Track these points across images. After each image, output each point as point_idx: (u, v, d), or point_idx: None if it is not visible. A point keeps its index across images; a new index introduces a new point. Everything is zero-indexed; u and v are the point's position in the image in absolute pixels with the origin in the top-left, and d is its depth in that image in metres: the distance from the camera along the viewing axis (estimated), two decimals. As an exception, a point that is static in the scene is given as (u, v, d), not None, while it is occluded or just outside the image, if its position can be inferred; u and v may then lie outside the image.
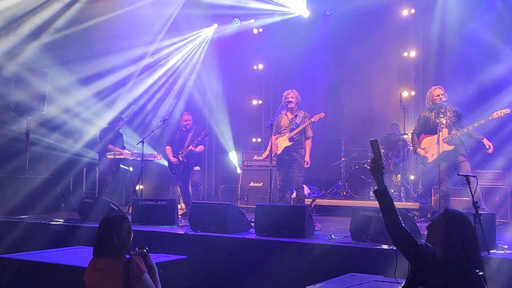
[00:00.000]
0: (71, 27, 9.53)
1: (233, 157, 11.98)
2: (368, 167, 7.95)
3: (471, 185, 4.47)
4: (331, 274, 4.52)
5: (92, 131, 9.98)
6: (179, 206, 8.35)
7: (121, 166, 9.29)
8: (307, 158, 7.62)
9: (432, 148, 6.71)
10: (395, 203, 3.18)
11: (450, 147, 6.63)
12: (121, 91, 10.71)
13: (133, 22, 10.06)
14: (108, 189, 8.84)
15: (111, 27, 9.79)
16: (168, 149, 8.76)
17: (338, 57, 11.84)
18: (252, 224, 6.39)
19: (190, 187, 8.69)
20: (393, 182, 9.10)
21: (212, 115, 12.05)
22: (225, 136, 12.01)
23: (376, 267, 4.74)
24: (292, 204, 8.19)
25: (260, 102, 12.42)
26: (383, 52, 11.38)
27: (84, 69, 9.87)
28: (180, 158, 8.53)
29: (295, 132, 7.52)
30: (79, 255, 5.08)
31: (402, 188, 8.77)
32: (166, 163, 9.13)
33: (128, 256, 3.44)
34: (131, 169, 9.51)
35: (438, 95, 6.77)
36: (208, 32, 12.13)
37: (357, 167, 9.48)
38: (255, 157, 10.37)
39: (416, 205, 8.25)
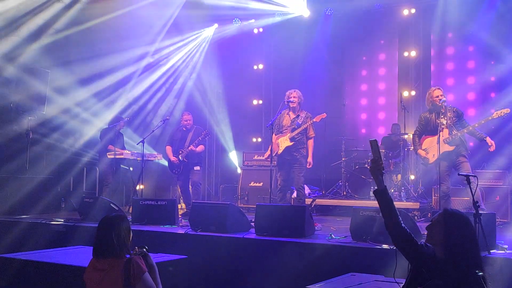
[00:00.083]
0: (71, 27, 9.53)
1: (233, 157, 11.98)
2: (368, 167, 7.96)
3: (471, 185, 4.47)
4: (331, 274, 4.52)
5: (92, 131, 9.99)
6: (179, 206, 8.35)
7: (122, 166, 9.29)
8: (309, 158, 7.61)
9: (433, 148, 6.71)
10: (395, 203, 3.17)
11: (451, 148, 6.62)
12: (121, 91, 10.71)
13: (133, 22, 10.06)
14: (108, 189, 8.84)
15: (111, 28, 9.79)
16: (169, 149, 8.76)
17: (339, 56, 11.86)
18: (252, 224, 6.39)
19: (190, 187, 8.69)
20: (394, 182, 9.10)
21: (212, 115, 12.05)
22: (226, 136, 12.01)
23: (376, 267, 4.74)
24: (292, 204, 8.19)
25: (261, 102, 12.42)
26: (383, 52, 11.40)
27: (84, 69, 9.88)
28: (181, 158, 8.52)
29: (296, 132, 7.49)
30: (80, 255, 5.07)
31: (403, 188, 8.77)
32: (166, 163, 9.13)
33: (128, 256, 3.44)
34: (131, 168, 9.52)
35: (438, 96, 6.76)
36: (209, 32, 12.13)
37: (357, 167, 9.48)
38: (256, 157, 10.36)
39: (416, 205, 8.24)
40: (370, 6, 10.93)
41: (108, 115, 9.90)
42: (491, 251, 4.75)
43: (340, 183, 9.80)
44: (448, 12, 10.51)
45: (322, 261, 5.34)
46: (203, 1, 10.64)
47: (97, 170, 9.52)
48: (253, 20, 11.69)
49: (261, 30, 12.02)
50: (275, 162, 7.76)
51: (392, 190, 8.74)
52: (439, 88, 6.87)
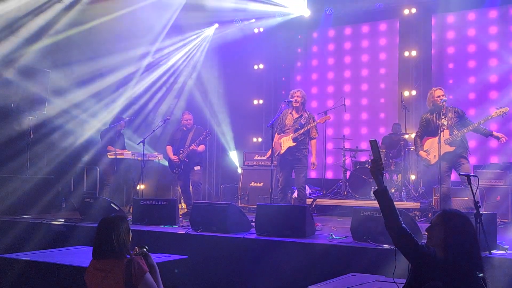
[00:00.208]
0: (72, 28, 9.53)
1: (234, 157, 11.97)
2: (369, 167, 7.95)
3: (472, 185, 4.47)
4: (332, 274, 4.52)
5: (93, 131, 9.99)
6: (180, 206, 8.35)
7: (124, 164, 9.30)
8: (314, 159, 7.59)
9: (434, 149, 6.70)
10: (396, 203, 3.17)
11: (451, 148, 6.61)
12: (121, 91, 10.71)
13: (134, 23, 10.06)
14: (109, 189, 8.85)
15: (112, 28, 9.79)
16: (169, 149, 8.74)
17: (339, 56, 11.86)
18: (253, 224, 6.39)
19: (191, 187, 8.69)
20: (394, 182, 9.10)
21: (213, 114, 12.04)
22: (226, 136, 12.01)
23: (377, 267, 4.74)
24: (293, 204, 8.18)
25: (261, 101, 12.41)
26: (384, 52, 11.39)
27: (84, 70, 9.88)
28: (181, 158, 8.51)
29: (299, 133, 7.46)
30: (80, 255, 5.07)
31: (403, 188, 8.76)
32: (167, 163, 9.13)
33: (128, 256, 3.43)
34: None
35: (439, 96, 6.74)
36: (209, 32, 12.12)
37: (358, 166, 9.48)
38: (256, 157, 10.36)
39: (417, 205, 8.24)
40: (371, 6, 10.93)
41: (109, 115, 9.90)
42: (492, 251, 4.75)
43: (341, 183, 9.80)
44: (449, 11, 10.53)
45: (322, 261, 5.34)
46: (204, 4, 10.64)
47: (98, 170, 9.52)
48: (253, 20, 11.69)
49: (261, 29, 12.02)
50: (275, 162, 7.74)
51: (393, 190, 8.73)
52: (440, 88, 6.85)
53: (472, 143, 7.95)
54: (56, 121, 9.74)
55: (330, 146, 11.03)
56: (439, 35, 10.78)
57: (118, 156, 8.91)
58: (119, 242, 3.42)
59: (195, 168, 8.59)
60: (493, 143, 9.66)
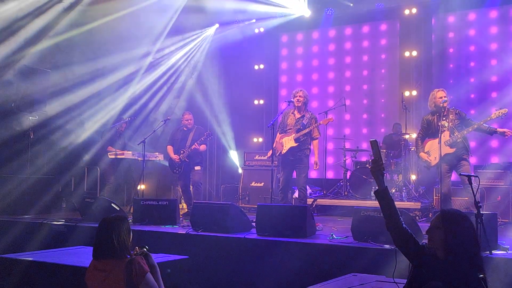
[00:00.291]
0: (73, 29, 9.53)
1: (234, 157, 11.97)
2: (369, 167, 7.96)
3: (472, 185, 4.47)
4: (332, 274, 4.52)
5: (94, 131, 9.99)
6: (180, 206, 8.35)
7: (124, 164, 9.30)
8: (316, 159, 7.60)
9: (434, 151, 6.69)
10: (396, 203, 3.16)
11: (452, 150, 6.59)
12: (122, 91, 10.70)
13: (134, 24, 10.07)
14: (110, 188, 8.85)
15: (112, 29, 9.79)
16: (170, 149, 8.74)
17: (340, 56, 11.86)
18: (254, 224, 6.39)
19: (191, 187, 8.68)
20: (395, 182, 9.10)
21: (213, 114, 12.04)
22: (227, 136, 12.01)
23: (377, 267, 4.74)
24: (293, 204, 8.18)
25: (262, 102, 12.41)
26: (384, 52, 11.39)
27: (85, 70, 9.88)
28: (182, 158, 8.51)
29: (301, 133, 7.44)
30: (81, 255, 5.07)
31: (404, 188, 8.76)
32: (167, 163, 9.13)
33: (128, 257, 3.43)
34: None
35: (441, 97, 6.72)
36: (209, 32, 12.12)
37: (358, 166, 9.48)
38: (257, 157, 10.37)
39: (417, 205, 8.24)
40: (372, 6, 10.93)
41: (109, 115, 9.89)
42: (493, 251, 4.75)
43: (341, 183, 9.80)
44: (449, 11, 10.53)
45: (323, 261, 5.34)
46: (205, 5, 10.65)
47: (98, 170, 9.52)
48: (254, 20, 11.69)
49: (262, 29, 12.02)
50: (276, 162, 7.74)
51: (393, 190, 8.73)
52: (442, 90, 6.80)
53: (472, 143, 7.94)
54: (56, 121, 9.74)
55: (330, 146, 11.03)
56: (439, 35, 10.78)
57: (118, 156, 8.91)
58: (119, 243, 3.42)
59: (196, 168, 8.58)
60: (493, 143, 9.66)
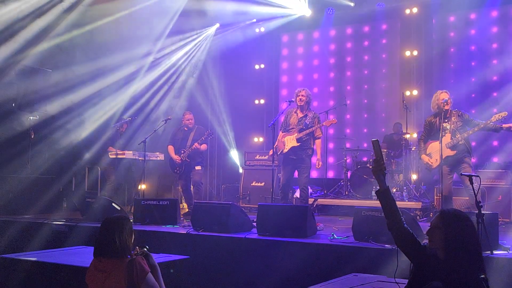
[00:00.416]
0: (73, 30, 9.54)
1: (235, 156, 11.97)
2: (370, 167, 7.94)
3: (474, 185, 4.47)
4: (333, 274, 4.51)
5: (94, 130, 9.99)
6: (181, 206, 8.35)
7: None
8: (319, 157, 7.60)
9: (436, 153, 6.68)
10: (397, 202, 3.16)
11: (453, 152, 6.57)
12: (123, 91, 10.70)
13: (135, 25, 10.08)
14: (111, 187, 8.84)
15: (113, 30, 9.80)
16: (171, 148, 8.74)
17: (341, 56, 11.85)
18: (254, 224, 6.39)
19: (192, 186, 8.68)
20: (396, 182, 9.09)
21: (214, 114, 12.04)
22: (227, 135, 12.00)
23: (378, 267, 4.74)
24: (294, 203, 8.18)
25: (262, 101, 12.40)
26: (385, 51, 11.39)
27: (86, 69, 9.88)
28: (183, 158, 8.51)
29: (303, 133, 7.43)
30: (82, 255, 5.07)
31: (405, 187, 8.76)
32: (168, 163, 9.12)
33: (129, 257, 3.42)
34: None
35: (443, 99, 6.70)
36: (210, 31, 12.12)
37: (359, 166, 9.47)
38: (257, 157, 10.36)
39: (418, 205, 8.23)
40: (372, 5, 10.92)
41: (110, 115, 9.89)
42: (494, 251, 4.74)
43: (342, 183, 9.79)
44: (450, 11, 10.52)
45: (324, 261, 5.34)
46: (205, 7, 10.65)
47: (99, 170, 9.52)
48: (254, 20, 11.69)
49: (262, 29, 12.02)
50: (276, 162, 7.72)
51: (394, 190, 8.73)
52: (446, 92, 6.76)
53: (472, 143, 7.93)
54: (57, 120, 9.75)
55: (331, 145, 11.03)
56: (440, 35, 10.77)
57: (119, 156, 8.91)
58: (121, 242, 3.42)
59: (196, 168, 8.59)
60: (493, 143, 9.65)
